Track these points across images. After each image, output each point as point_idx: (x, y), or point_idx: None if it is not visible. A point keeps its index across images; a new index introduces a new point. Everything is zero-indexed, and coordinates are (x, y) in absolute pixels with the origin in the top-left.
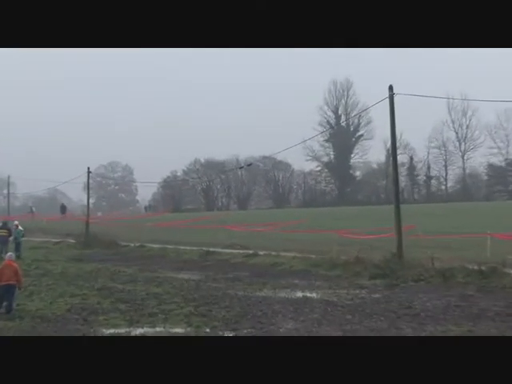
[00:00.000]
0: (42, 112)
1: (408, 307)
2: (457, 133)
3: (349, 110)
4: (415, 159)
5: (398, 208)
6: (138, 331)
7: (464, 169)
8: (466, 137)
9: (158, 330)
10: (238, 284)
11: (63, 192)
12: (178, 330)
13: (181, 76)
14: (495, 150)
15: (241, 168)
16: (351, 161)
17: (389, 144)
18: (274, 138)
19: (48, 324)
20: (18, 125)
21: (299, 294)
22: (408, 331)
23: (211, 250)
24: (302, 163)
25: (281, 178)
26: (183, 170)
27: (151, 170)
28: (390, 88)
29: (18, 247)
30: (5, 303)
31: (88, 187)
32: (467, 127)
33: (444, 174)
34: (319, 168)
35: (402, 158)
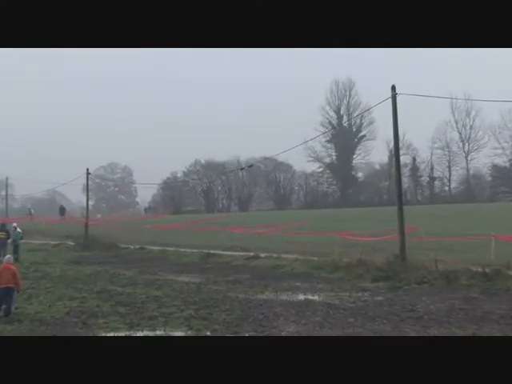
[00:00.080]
0: (41, 112)
1: (411, 310)
2: (460, 133)
3: (351, 110)
4: (418, 160)
5: (400, 209)
6: (137, 334)
7: (468, 170)
8: (469, 137)
9: (158, 334)
10: (238, 287)
11: (62, 194)
12: (179, 334)
13: (181, 76)
14: (499, 151)
15: (242, 169)
16: (353, 162)
17: (391, 145)
18: (275, 139)
19: (47, 327)
20: (18, 125)
21: (301, 297)
22: (411, 334)
23: (212, 252)
24: (303, 164)
25: (282, 180)
26: (183, 172)
27: (151, 171)
28: (393, 88)
29: (16, 250)
30: (3, 306)
31: (87, 189)
32: (471, 127)
33: (447, 175)
34: (321, 169)
35: (404, 158)
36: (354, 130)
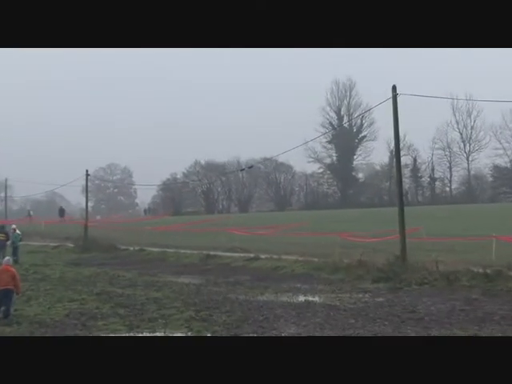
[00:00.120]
0: (41, 112)
1: (412, 311)
2: (461, 134)
3: (351, 110)
4: (419, 161)
5: (401, 210)
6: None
7: (469, 170)
8: (470, 138)
9: (158, 335)
10: (239, 288)
11: (61, 195)
12: (179, 335)
13: (181, 76)
14: (500, 151)
15: (242, 170)
16: (354, 162)
17: (392, 145)
18: (275, 139)
19: (46, 329)
20: (18, 125)
21: (301, 298)
22: (412, 335)
23: (212, 253)
24: (303, 165)
25: (282, 180)
26: (183, 173)
27: (151, 171)
28: (394, 88)
29: (15, 251)
30: (2, 308)
31: (86, 190)
32: (472, 128)
33: (448, 176)
34: (321, 170)
35: (405, 159)
36: (355, 130)
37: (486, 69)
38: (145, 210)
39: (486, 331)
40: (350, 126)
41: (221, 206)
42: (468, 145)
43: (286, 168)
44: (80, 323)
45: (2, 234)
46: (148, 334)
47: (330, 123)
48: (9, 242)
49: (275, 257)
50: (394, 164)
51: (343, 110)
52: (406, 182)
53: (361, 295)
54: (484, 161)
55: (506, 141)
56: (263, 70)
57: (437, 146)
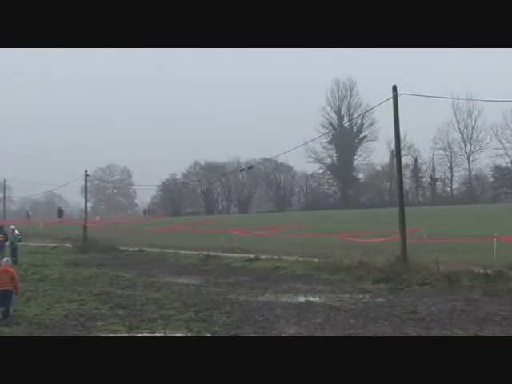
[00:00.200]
0: (41, 112)
1: (413, 312)
2: (462, 134)
3: (352, 110)
4: (420, 161)
5: (402, 211)
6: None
7: (470, 170)
8: (471, 138)
9: (158, 336)
10: (239, 289)
11: (60, 196)
12: (178, 335)
13: (181, 76)
14: (501, 151)
15: (241, 170)
16: (354, 163)
17: (393, 145)
18: (275, 139)
19: (45, 330)
20: (18, 125)
21: (302, 299)
22: (413, 336)
23: (211, 254)
24: (303, 165)
25: (282, 181)
26: (183, 173)
27: (150, 172)
28: (394, 88)
29: (14, 252)
30: (2, 309)
31: (86, 190)
32: (473, 128)
33: (449, 176)
34: (322, 170)
35: (406, 159)
36: (355, 130)
37: (486, 69)
38: (144, 211)
39: (487, 332)
40: (351, 126)
41: (220, 207)
42: (469, 145)
43: (285, 168)
44: (79, 324)
45: (0, 234)
46: (147, 335)
47: (330, 123)
48: (8, 243)
49: (275, 257)
50: (395, 164)
51: (343, 110)
52: (407, 183)
53: (361, 296)
54: (485, 161)
55: (507, 141)
56: (263, 70)
57: (437, 146)
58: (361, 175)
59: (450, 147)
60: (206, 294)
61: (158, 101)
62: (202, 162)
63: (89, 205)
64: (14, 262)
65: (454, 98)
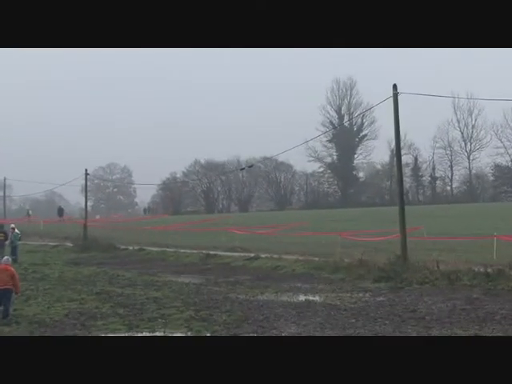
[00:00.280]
0: (41, 112)
1: (413, 311)
2: (462, 133)
3: (352, 109)
4: (420, 160)
5: (402, 209)
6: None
7: (470, 169)
8: (471, 137)
9: (158, 335)
10: (239, 288)
11: (61, 195)
12: (178, 335)
13: (181, 76)
14: (502, 150)
15: (242, 169)
16: (355, 161)
17: (393, 144)
18: (275, 139)
19: (45, 329)
20: (18, 125)
21: (302, 298)
22: (413, 335)
23: (212, 253)
24: (304, 164)
25: (282, 180)
26: (183, 172)
27: (150, 171)
28: (394, 87)
29: (14, 251)
30: (1, 308)
31: (86, 189)
32: (473, 127)
33: (449, 175)
34: (322, 169)
35: (406, 158)
36: (355, 129)
37: (486, 69)
38: (144, 210)
39: (487, 331)
40: (351, 124)
41: (221, 206)
42: (469, 144)
43: (286, 167)
44: (79, 323)
45: (0, 233)
46: (147, 334)
47: (331, 122)
48: (8, 242)
49: (275, 256)
50: (395, 163)
51: (344, 109)
52: (407, 181)
53: (361, 295)
54: (485, 160)
55: (508, 140)
56: (263, 70)
57: (438, 144)
58: (361, 174)
59: (450, 146)
60: (206, 293)
61: (158, 101)
62: (202, 161)
63: (89, 204)
64: (14, 260)
65: (454, 97)
